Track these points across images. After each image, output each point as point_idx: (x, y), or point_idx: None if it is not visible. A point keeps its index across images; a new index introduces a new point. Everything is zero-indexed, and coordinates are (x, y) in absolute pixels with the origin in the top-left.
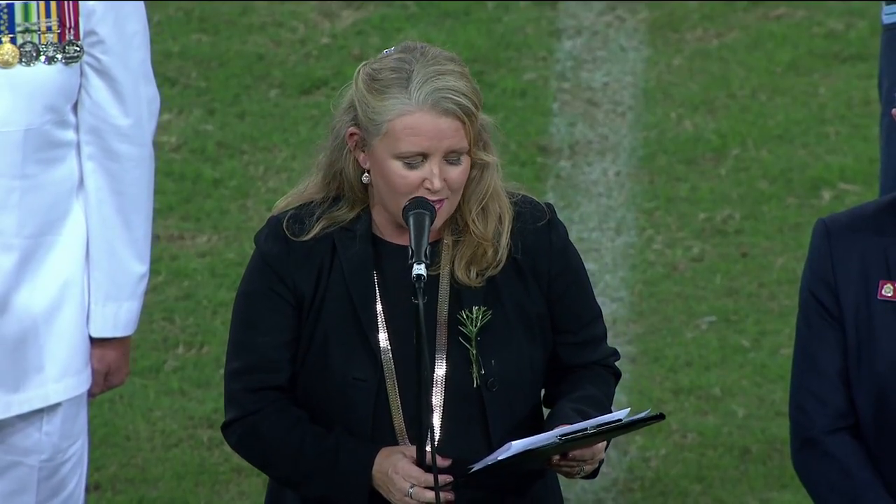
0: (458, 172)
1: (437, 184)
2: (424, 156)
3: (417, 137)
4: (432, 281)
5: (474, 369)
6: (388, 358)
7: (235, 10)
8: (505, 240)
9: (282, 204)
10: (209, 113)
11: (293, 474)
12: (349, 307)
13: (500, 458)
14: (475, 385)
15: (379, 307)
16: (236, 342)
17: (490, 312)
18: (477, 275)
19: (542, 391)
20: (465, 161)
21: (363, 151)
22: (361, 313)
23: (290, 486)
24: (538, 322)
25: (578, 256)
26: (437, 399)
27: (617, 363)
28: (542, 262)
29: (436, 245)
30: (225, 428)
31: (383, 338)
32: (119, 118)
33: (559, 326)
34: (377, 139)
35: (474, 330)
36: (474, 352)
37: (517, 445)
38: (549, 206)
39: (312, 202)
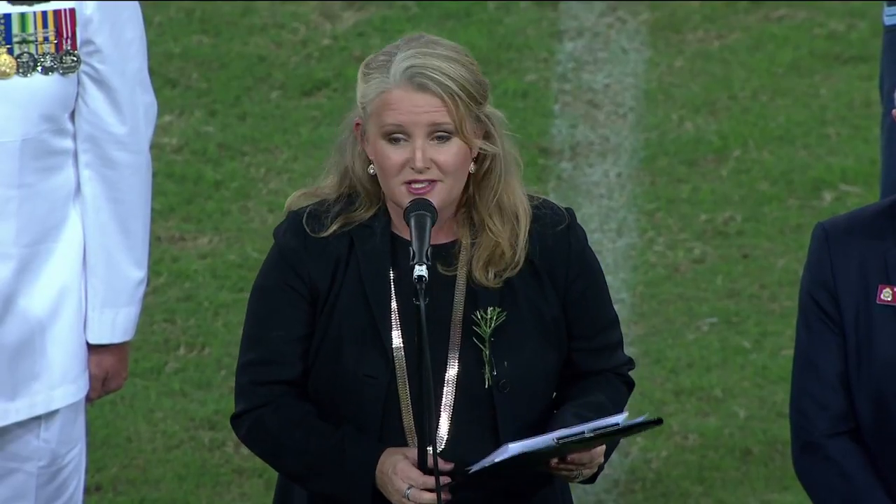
0: (447, 154)
1: (418, 160)
2: (407, 134)
3: (394, 111)
4: (449, 281)
5: (486, 370)
6: (399, 356)
7: (236, 12)
8: (522, 240)
9: (296, 196)
10: (210, 114)
11: (298, 469)
12: (363, 303)
13: (496, 461)
14: (486, 386)
15: (394, 304)
16: (249, 335)
17: (505, 314)
18: (494, 276)
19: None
20: (457, 144)
21: (366, 141)
22: (375, 310)
23: (296, 480)
24: (553, 326)
25: (597, 262)
26: (447, 399)
27: (631, 372)
28: (560, 266)
29: (453, 245)
30: (234, 420)
31: (396, 336)
32: (116, 126)
33: (574, 331)
34: (369, 124)
35: (488, 331)
36: (487, 352)
37: (514, 448)
38: (569, 210)
39: (329, 201)
